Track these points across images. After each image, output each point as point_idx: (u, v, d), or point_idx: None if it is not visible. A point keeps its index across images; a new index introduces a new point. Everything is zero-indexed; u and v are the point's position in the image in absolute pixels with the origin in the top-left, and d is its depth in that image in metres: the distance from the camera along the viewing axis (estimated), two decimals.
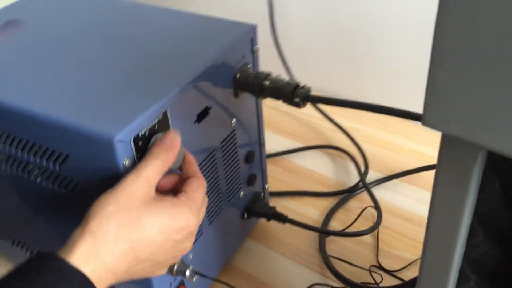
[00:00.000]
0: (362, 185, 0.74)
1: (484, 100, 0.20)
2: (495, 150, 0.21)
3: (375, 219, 0.69)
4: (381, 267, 0.64)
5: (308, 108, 0.88)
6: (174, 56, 0.51)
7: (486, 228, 0.27)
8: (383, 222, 0.69)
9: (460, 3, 0.19)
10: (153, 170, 0.42)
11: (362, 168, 0.78)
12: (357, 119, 0.87)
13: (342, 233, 0.66)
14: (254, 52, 0.57)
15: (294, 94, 0.53)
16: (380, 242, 0.67)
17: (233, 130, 0.57)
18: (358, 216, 0.70)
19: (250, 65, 0.57)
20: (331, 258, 0.65)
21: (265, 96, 0.55)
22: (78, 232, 0.38)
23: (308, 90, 0.53)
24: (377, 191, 0.74)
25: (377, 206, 0.69)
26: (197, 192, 0.45)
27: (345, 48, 0.94)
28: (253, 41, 0.56)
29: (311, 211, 0.73)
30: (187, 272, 0.50)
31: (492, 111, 0.20)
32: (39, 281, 0.34)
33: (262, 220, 0.69)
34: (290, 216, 0.69)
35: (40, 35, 0.57)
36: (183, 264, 0.50)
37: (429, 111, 0.21)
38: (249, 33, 0.55)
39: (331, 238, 0.68)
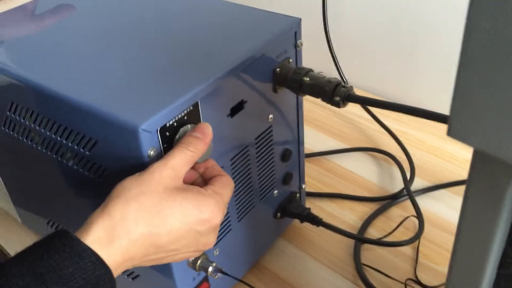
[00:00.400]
0: (406, 192, 0.70)
1: None
2: None
3: (417, 229, 0.65)
4: (418, 281, 0.60)
5: (355, 108, 0.85)
6: (213, 46, 0.50)
7: None
8: (425, 234, 0.65)
9: None
10: (181, 159, 0.41)
11: (408, 175, 0.74)
12: (406, 121, 0.83)
13: (377, 242, 0.63)
14: (297, 47, 0.55)
15: (335, 93, 0.50)
16: (419, 255, 0.63)
17: (270, 127, 0.55)
18: (399, 225, 0.66)
19: (291, 59, 0.54)
20: (365, 267, 0.62)
21: (304, 93, 0.52)
22: (97, 213, 0.38)
23: (350, 89, 0.51)
24: (422, 200, 0.70)
25: (419, 216, 0.65)
26: (224, 188, 0.43)
27: (403, 48, 0.89)
28: (297, 35, 0.54)
29: (349, 215, 0.70)
30: (210, 269, 0.49)
31: None
32: (49, 259, 0.34)
33: (297, 221, 0.66)
34: (327, 219, 0.67)
35: (84, 20, 0.58)
36: (206, 260, 0.49)
37: (456, 120, 0.18)
38: (293, 27, 0.53)
39: (367, 246, 0.65)
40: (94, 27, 0.56)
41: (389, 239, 0.65)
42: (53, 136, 0.49)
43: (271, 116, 0.55)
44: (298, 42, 0.54)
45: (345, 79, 0.83)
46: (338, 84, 0.51)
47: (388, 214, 0.69)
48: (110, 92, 0.44)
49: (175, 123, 0.43)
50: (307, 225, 0.64)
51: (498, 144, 0.18)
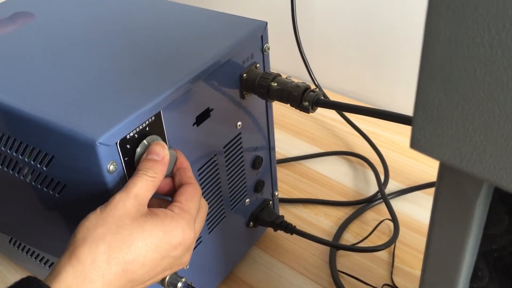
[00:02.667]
0: (380, 195, 0.69)
1: (487, 123, 0.16)
2: (499, 185, 0.16)
3: (392, 233, 0.64)
4: (394, 286, 0.59)
5: (329, 110, 0.84)
6: (176, 53, 0.48)
7: (494, 269, 0.23)
8: (401, 238, 0.64)
9: None
10: (143, 186, 0.39)
11: (382, 177, 0.73)
12: (377, 123, 0.82)
13: (352, 248, 0.61)
14: (264, 51, 0.53)
15: (303, 98, 0.49)
16: (395, 259, 0.62)
17: (238, 134, 0.54)
18: (374, 229, 0.65)
19: (259, 65, 0.53)
20: (341, 274, 0.61)
21: (272, 99, 0.51)
22: (65, 259, 0.35)
23: (318, 93, 0.49)
24: (397, 203, 0.69)
25: (394, 219, 0.65)
26: (191, 201, 0.42)
27: (375, 49, 0.89)
28: (263, 39, 0.52)
29: (324, 221, 0.68)
30: (179, 284, 0.47)
31: (498, 136, 0.16)
32: None
33: (271, 229, 0.65)
34: (302, 225, 0.65)
35: (41, 29, 0.55)
36: (175, 276, 0.47)
37: (419, 132, 0.17)
38: (259, 31, 0.52)
39: (343, 252, 0.63)
40: (52, 36, 0.53)
41: (364, 243, 0.64)
42: (8, 151, 0.46)
43: (239, 123, 0.53)
44: (265, 46, 0.53)
45: (317, 82, 0.82)
46: (306, 89, 0.49)
47: (363, 218, 0.68)
48: (66, 104, 0.42)
49: (136, 135, 0.41)
50: (281, 232, 0.63)
51: (465, 156, 0.17)
